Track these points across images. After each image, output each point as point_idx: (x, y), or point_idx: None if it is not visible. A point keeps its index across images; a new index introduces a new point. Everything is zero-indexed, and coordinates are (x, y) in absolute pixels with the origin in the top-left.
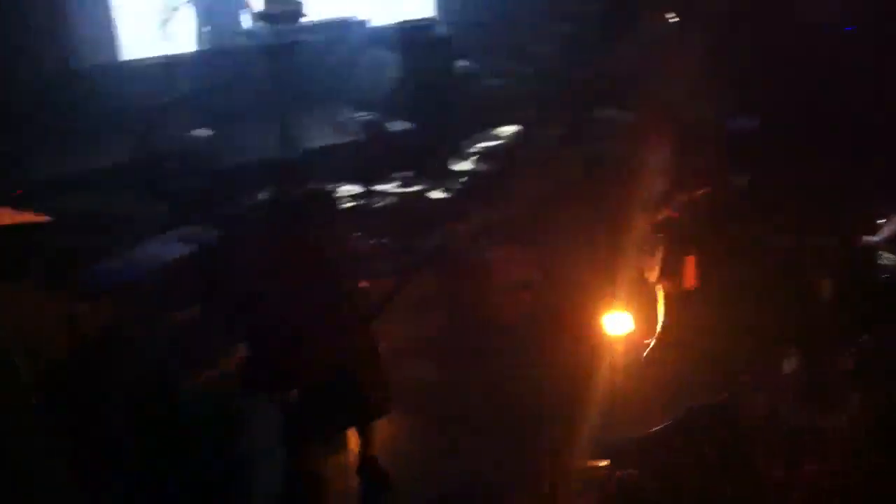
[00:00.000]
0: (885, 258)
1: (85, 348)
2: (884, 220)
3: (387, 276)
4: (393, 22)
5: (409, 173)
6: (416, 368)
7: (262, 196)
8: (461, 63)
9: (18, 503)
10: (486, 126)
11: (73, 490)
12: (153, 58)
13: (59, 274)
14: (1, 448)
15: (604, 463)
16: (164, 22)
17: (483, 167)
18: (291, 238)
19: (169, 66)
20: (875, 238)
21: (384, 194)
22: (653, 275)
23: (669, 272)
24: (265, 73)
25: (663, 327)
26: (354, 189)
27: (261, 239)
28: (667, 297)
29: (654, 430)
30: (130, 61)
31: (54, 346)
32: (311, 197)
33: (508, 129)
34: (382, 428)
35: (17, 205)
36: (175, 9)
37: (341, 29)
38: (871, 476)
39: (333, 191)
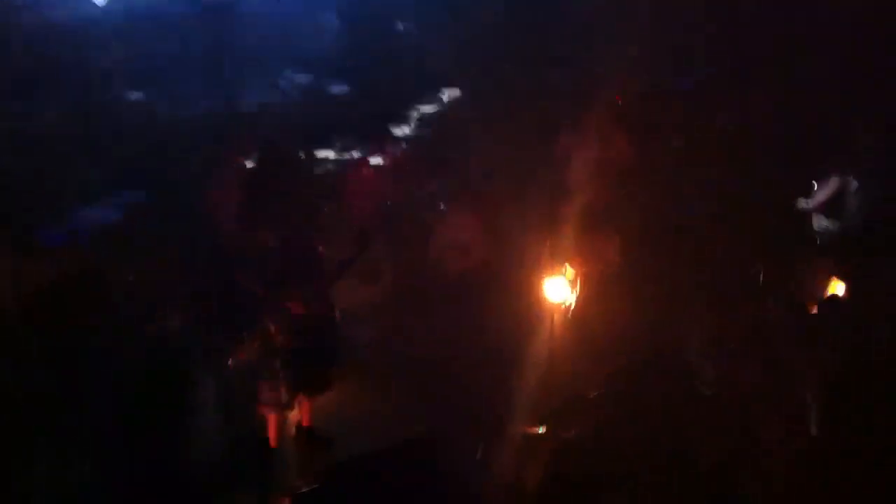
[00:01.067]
0: (818, 223)
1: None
2: (818, 185)
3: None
4: None
5: (349, 137)
6: (359, 331)
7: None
8: (400, 25)
9: None
10: (425, 89)
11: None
12: (85, 19)
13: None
14: None
15: (540, 428)
16: None
17: (423, 131)
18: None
19: (101, 28)
20: (808, 203)
21: (325, 160)
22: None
23: (587, 251)
24: (201, 34)
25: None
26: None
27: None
28: (587, 273)
29: (586, 392)
30: (61, 24)
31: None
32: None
33: (447, 93)
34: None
35: None
36: None
37: None
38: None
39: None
